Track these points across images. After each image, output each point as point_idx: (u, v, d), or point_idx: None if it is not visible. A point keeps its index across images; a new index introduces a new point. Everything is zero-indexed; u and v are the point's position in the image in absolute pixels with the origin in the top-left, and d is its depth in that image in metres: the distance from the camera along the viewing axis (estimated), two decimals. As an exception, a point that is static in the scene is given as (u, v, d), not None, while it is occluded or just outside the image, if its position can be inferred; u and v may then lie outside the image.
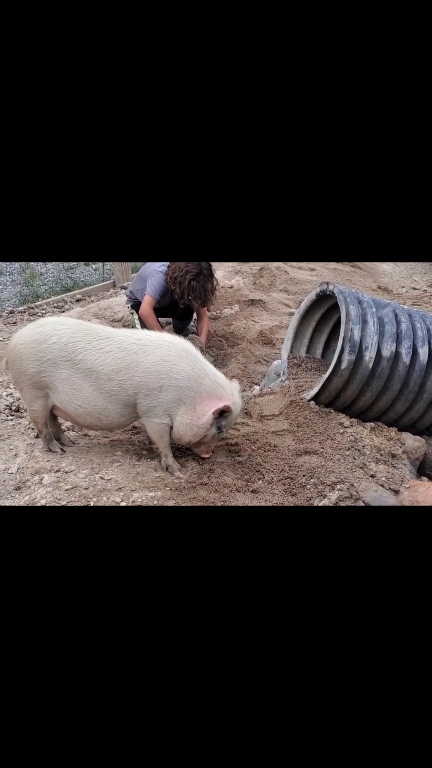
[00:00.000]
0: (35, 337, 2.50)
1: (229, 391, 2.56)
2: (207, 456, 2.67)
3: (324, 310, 3.24)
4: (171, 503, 2.36)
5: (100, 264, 6.06)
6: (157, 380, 2.46)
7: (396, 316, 2.89)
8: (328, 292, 3.03)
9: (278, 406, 2.99)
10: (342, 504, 2.41)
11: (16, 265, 6.00)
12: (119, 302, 4.61)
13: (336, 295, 2.90)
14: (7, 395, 3.20)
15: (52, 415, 2.68)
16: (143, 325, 3.90)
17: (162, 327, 3.97)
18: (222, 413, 2.51)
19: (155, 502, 2.36)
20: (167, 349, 2.51)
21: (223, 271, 5.10)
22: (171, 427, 2.58)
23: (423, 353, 2.81)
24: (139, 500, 2.37)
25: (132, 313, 4.11)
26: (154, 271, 3.86)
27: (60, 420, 2.78)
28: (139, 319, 3.92)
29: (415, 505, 2.53)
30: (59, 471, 2.56)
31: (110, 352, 2.47)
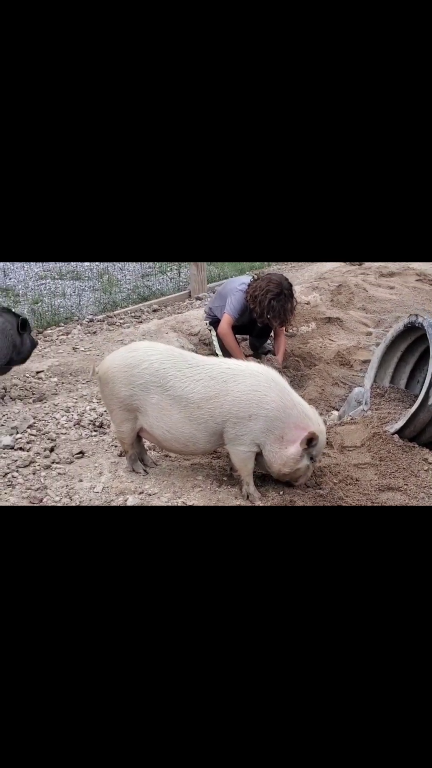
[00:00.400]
0: (128, 361, 2.55)
1: (315, 420, 2.56)
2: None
3: (411, 341, 3.18)
4: (252, 534, 2.38)
5: (175, 272, 6.13)
6: (247, 409, 2.48)
7: None
8: (417, 324, 2.98)
9: (360, 438, 2.95)
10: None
11: (95, 270, 6.14)
12: (196, 316, 4.65)
13: (426, 329, 2.85)
14: (90, 410, 3.28)
15: (137, 436, 2.73)
16: (221, 343, 3.93)
17: (239, 344, 3.99)
18: (309, 441, 2.50)
19: (237, 532, 2.38)
20: (257, 379, 2.53)
21: (300, 287, 5.08)
22: (256, 455, 2.59)
23: None
24: (221, 529, 2.39)
25: (210, 330, 4.14)
26: (234, 289, 3.88)
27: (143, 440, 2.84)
28: (217, 336, 3.95)
29: None
30: (143, 493, 2.61)
31: (200, 380, 2.50)
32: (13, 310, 3.48)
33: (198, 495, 2.61)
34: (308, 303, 4.90)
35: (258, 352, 4.21)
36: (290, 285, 3.79)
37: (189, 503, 2.55)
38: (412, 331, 3.12)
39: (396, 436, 2.89)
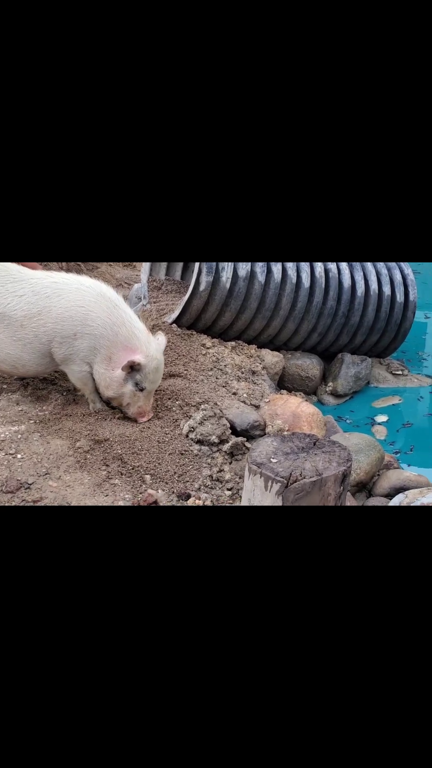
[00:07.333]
0: None
1: (144, 343, 2.41)
2: (143, 419, 2.46)
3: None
4: (36, 436, 2.33)
5: None
6: (71, 327, 2.34)
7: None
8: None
9: (140, 331, 2.98)
10: (207, 422, 2.49)
11: None
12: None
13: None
14: None
15: None
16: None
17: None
18: (132, 368, 2.36)
19: (19, 436, 2.32)
20: (82, 294, 2.38)
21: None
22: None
23: (277, 272, 2.91)
24: (2, 435, 2.32)
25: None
26: None
27: None
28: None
29: (274, 417, 2.68)
30: None
31: (23, 296, 2.31)
32: None
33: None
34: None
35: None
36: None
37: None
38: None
39: (174, 325, 2.95)
